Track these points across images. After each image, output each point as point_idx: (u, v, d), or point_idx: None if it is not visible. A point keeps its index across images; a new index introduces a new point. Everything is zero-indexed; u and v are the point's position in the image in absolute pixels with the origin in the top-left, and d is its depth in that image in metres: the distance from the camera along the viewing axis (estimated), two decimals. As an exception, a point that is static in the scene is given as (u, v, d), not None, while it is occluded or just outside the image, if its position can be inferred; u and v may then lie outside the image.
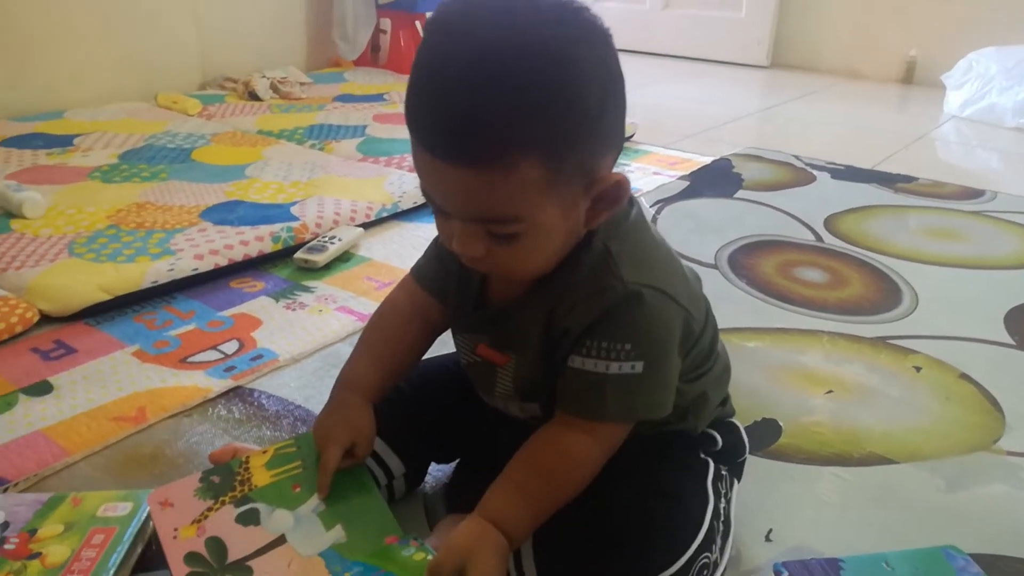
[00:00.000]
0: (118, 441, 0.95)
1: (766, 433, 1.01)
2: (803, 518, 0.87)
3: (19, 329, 1.15)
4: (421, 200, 1.68)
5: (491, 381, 0.75)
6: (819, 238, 1.67)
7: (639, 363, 0.66)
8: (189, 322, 1.22)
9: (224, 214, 1.53)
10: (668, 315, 0.68)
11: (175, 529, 0.70)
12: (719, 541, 0.74)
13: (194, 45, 2.62)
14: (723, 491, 0.77)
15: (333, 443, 0.74)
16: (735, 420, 0.84)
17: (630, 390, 0.67)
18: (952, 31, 3.25)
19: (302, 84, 2.66)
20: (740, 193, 1.94)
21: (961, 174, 2.23)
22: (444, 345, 0.83)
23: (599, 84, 0.60)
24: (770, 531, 0.84)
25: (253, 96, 2.50)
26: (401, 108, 0.63)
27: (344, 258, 1.47)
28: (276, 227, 1.47)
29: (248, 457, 0.77)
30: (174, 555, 0.68)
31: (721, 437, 0.79)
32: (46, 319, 1.20)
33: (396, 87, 2.71)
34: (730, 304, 1.36)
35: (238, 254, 1.38)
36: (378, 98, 2.57)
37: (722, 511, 0.75)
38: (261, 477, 0.75)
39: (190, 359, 1.12)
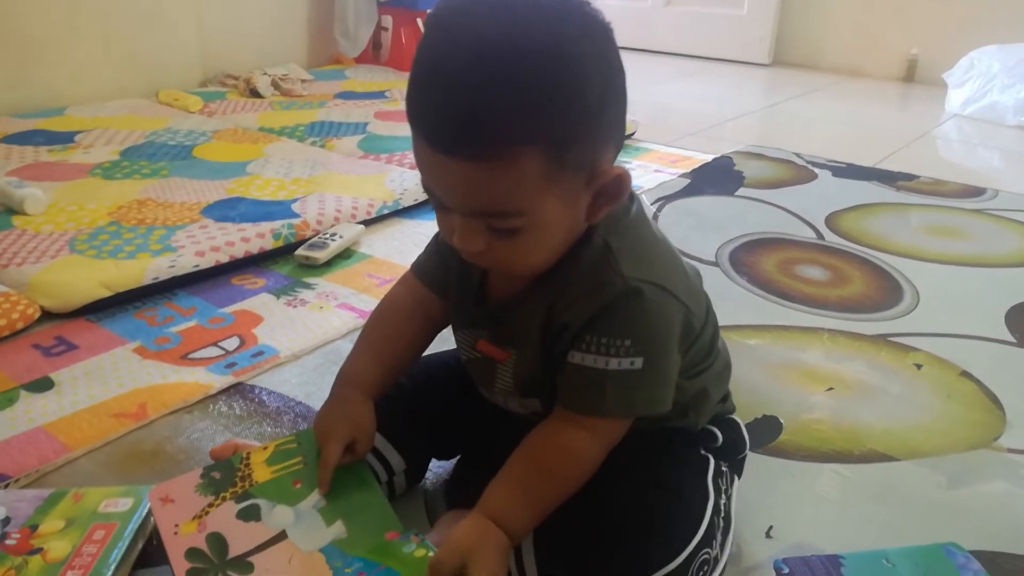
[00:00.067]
0: (119, 437, 0.95)
1: (767, 430, 1.01)
2: (804, 515, 0.87)
3: (20, 325, 1.16)
4: (422, 197, 1.68)
5: (491, 377, 0.75)
6: (820, 236, 1.67)
7: (639, 359, 0.66)
8: (190, 319, 1.22)
9: (225, 211, 1.53)
10: (668, 311, 0.68)
11: (176, 525, 0.70)
12: (720, 537, 0.74)
13: (195, 42, 2.62)
14: (723, 487, 0.77)
15: (334, 439, 0.74)
16: (735, 416, 0.84)
17: (630, 386, 0.67)
18: (954, 29, 3.25)
19: (303, 81, 2.66)
20: (741, 191, 1.94)
21: (962, 172, 2.23)
22: (445, 342, 0.83)
23: (600, 78, 0.60)
24: (771, 528, 0.84)
25: (254, 93, 2.50)
26: (402, 105, 0.63)
27: (345, 255, 1.47)
28: (277, 224, 1.47)
29: (249, 453, 0.77)
30: (175, 551, 0.68)
31: (721, 433, 0.79)
32: (47, 315, 1.20)
33: (397, 84, 2.71)
34: (731, 302, 1.36)
35: (239, 251, 1.39)
36: (379, 95, 2.57)
37: (722, 507, 0.75)
38: (262, 473, 0.75)
39: (191, 356, 1.12)
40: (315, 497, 0.73)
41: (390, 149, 2.00)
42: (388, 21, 3.04)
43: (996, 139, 2.63)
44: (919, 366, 1.18)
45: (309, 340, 1.17)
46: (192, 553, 0.68)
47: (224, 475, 0.75)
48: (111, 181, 1.68)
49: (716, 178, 2.03)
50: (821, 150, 2.31)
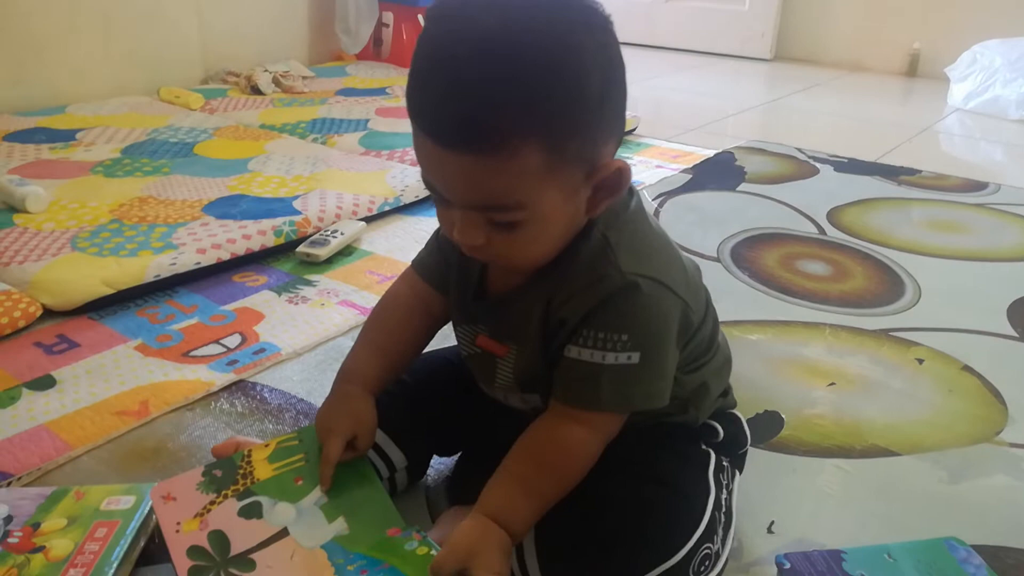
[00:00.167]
0: (121, 435, 0.95)
1: (768, 425, 1.01)
2: (805, 510, 0.87)
3: (22, 323, 1.16)
4: (423, 194, 1.68)
5: (491, 372, 0.75)
6: (822, 231, 1.67)
7: (635, 353, 0.66)
8: (191, 316, 1.22)
9: (226, 208, 1.53)
10: (665, 306, 0.68)
11: (178, 523, 0.70)
12: (721, 532, 0.74)
13: (196, 39, 2.61)
14: (724, 482, 0.77)
15: (335, 435, 0.74)
16: (736, 411, 0.84)
17: (626, 380, 0.67)
18: (956, 23, 3.24)
19: (304, 78, 2.66)
20: (743, 186, 1.94)
21: (964, 167, 2.23)
22: (446, 339, 0.83)
23: (600, 71, 0.60)
24: (772, 523, 0.84)
25: (255, 90, 2.50)
26: (403, 102, 0.63)
27: (346, 252, 1.47)
28: (278, 221, 1.47)
29: (250, 451, 0.78)
30: (177, 548, 0.68)
31: (722, 428, 0.79)
32: (49, 313, 1.20)
33: (398, 81, 2.71)
34: (732, 297, 1.36)
35: (240, 248, 1.39)
36: (380, 92, 2.57)
37: (723, 502, 0.75)
38: (263, 470, 0.75)
39: (192, 353, 1.12)
40: (317, 494, 0.73)
41: (391, 145, 2.00)
42: (389, 17, 3.04)
43: (998, 133, 2.62)
44: (921, 361, 1.18)
45: (310, 337, 1.17)
46: (194, 551, 0.68)
47: (226, 473, 0.75)
48: (112, 179, 1.68)
49: (717, 173, 2.02)
50: (823, 145, 2.30)
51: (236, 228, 1.43)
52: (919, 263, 1.52)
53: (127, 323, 1.20)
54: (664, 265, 0.69)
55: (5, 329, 1.14)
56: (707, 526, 0.71)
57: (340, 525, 0.71)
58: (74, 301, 1.21)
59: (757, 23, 3.63)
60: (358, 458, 0.76)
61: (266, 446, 0.78)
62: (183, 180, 1.69)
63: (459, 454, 0.90)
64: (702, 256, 1.51)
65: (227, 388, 1.05)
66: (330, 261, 1.43)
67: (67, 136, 1.96)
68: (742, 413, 0.85)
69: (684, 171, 2.03)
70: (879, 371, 1.15)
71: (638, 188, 0.71)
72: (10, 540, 0.72)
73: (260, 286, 1.33)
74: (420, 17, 2.97)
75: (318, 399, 1.00)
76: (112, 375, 1.06)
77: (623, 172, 0.64)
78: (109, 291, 1.23)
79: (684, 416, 0.77)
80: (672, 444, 0.75)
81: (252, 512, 0.72)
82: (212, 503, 0.72)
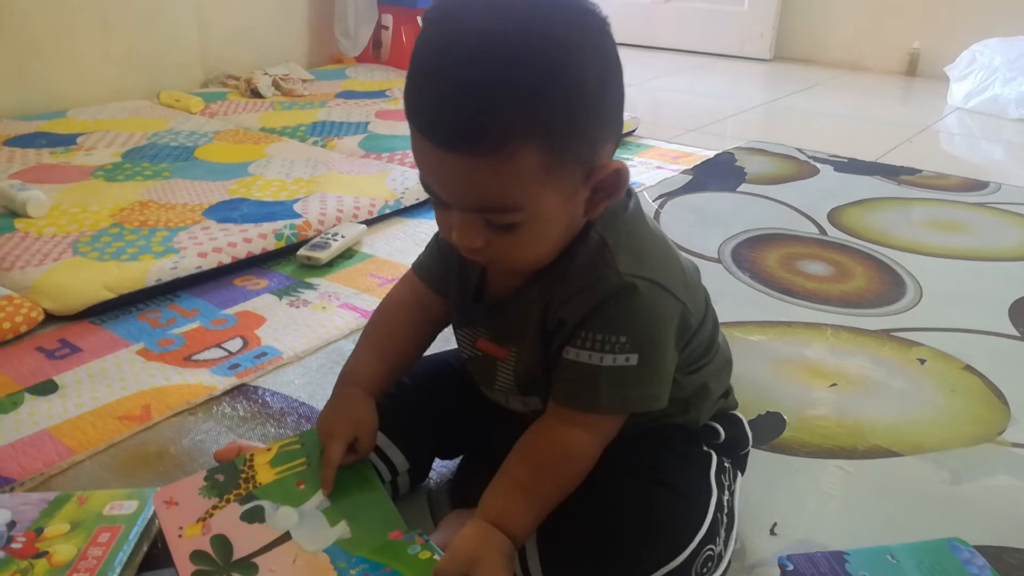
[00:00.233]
0: (123, 440, 0.95)
1: (770, 427, 1.01)
2: (808, 511, 0.87)
3: (24, 329, 1.16)
4: (424, 196, 1.68)
5: (492, 375, 0.75)
6: (822, 231, 1.67)
7: (633, 355, 0.66)
8: (193, 320, 1.22)
9: (227, 212, 1.53)
10: (663, 308, 0.68)
11: (180, 527, 0.71)
12: (723, 533, 0.74)
13: (196, 43, 2.62)
14: (726, 483, 0.77)
15: (336, 438, 0.74)
16: (738, 413, 0.84)
17: (624, 382, 0.67)
18: (955, 22, 3.24)
19: (304, 81, 2.66)
20: (743, 187, 1.94)
21: (965, 166, 2.23)
22: (447, 342, 0.83)
23: (597, 72, 0.60)
24: (775, 524, 0.84)
25: (255, 93, 2.50)
26: (402, 104, 0.63)
27: (347, 255, 1.47)
28: (279, 224, 1.47)
29: (252, 455, 0.78)
30: (180, 553, 0.68)
31: (724, 429, 0.79)
32: (51, 318, 1.20)
33: (398, 83, 2.71)
34: (733, 298, 1.36)
35: (241, 252, 1.39)
36: (380, 94, 2.57)
37: (726, 503, 0.75)
38: (265, 475, 0.75)
39: (194, 357, 1.12)
40: (319, 498, 0.73)
41: (391, 148, 2.00)
42: (388, 20, 3.05)
43: (998, 132, 2.62)
44: (922, 361, 1.18)
45: (312, 340, 1.17)
46: (197, 555, 0.68)
47: (228, 477, 0.75)
48: (113, 183, 1.68)
49: (718, 174, 2.02)
50: (823, 145, 2.30)
51: (237, 232, 1.43)
52: (920, 263, 1.52)
53: (129, 327, 1.20)
54: (662, 267, 0.69)
55: (7, 334, 1.14)
56: (709, 528, 0.71)
57: (342, 529, 0.71)
58: (76, 306, 1.21)
59: (756, 23, 3.64)
60: (360, 461, 0.76)
61: (268, 450, 0.78)
62: (184, 184, 1.69)
63: (461, 457, 0.89)
64: (703, 257, 1.51)
65: (229, 392, 1.05)
66: (331, 264, 1.43)
67: (68, 140, 1.96)
68: (744, 414, 0.85)
69: (684, 172, 2.03)
70: (881, 371, 1.15)
71: (636, 190, 0.71)
72: (13, 545, 0.72)
73: (261, 290, 1.33)
74: (419, 19, 2.96)
75: (320, 403, 1.00)
76: (114, 379, 1.06)
77: (621, 173, 0.64)
78: (110, 295, 1.23)
79: (685, 417, 0.77)
80: (673, 445, 0.75)
81: (254, 516, 0.72)
82: (214, 508, 0.72)
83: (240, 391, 1.05)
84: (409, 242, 1.54)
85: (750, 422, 0.85)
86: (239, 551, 0.69)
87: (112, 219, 1.48)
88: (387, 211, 1.65)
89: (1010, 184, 2.02)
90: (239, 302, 1.29)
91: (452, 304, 0.79)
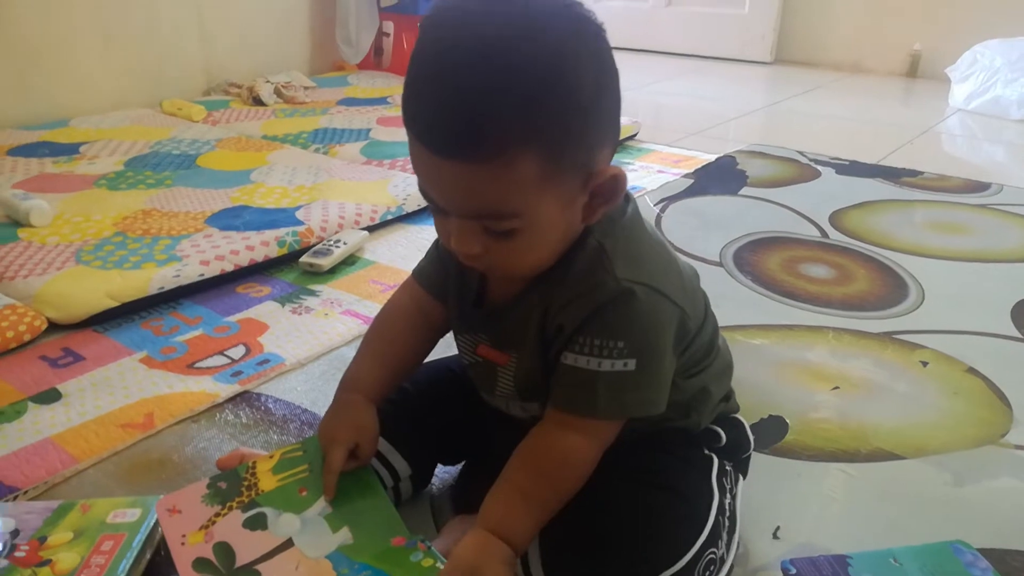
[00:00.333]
0: (126, 448, 0.95)
1: (773, 430, 1.01)
2: (810, 515, 0.87)
3: (27, 337, 1.16)
4: (425, 203, 1.68)
5: (492, 381, 0.76)
6: (824, 234, 1.67)
7: (631, 361, 0.66)
8: (196, 328, 1.23)
9: (230, 219, 1.54)
10: (662, 313, 0.68)
11: (183, 535, 0.71)
12: (725, 537, 0.74)
13: (198, 51, 2.63)
14: (728, 487, 0.77)
15: (337, 444, 0.74)
16: (739, 416, 0.84)
17: (622, 387, 0.67)
18: (956, 24, 3.24)
19: (306, 88, 2.67)
20: (744, 190, 1.94)
21: (966, 167, 2.23)
22: (448, 348, 0.83)
23: (593, 78, 0.60)
24: (777, 528, 0.84)
25: (257, 101, 2.51)
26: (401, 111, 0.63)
27: (349, 261, 1.47)
28: (281, 232, 1.47)
29: (255, 462, 0.78)
30: (183, 561, 0.68)
31: (725, 433, 0.79)
32: (54, 327, 1.21)
33: (399, 90, 2.63)
34: (735, 301, 1.36)
35: (244, 259, 1.39)
36: (381, 101, 2.58)
37: (727, 507, 0.75)
38: (268, 482, 0.75)
39: (197, 364, 1.12)
40: (321, 504, 0.73)
41: (393, 155, 2.00)
42: (389, 27, 3.05)
43: (1000, 133, 2.62)
44: (925, 363, 1.18)
45: (314, 347, 1.17)
46: (200, 563, 0.68)
47: (230, 485, 0.75)
48: (116, 192, 1.69)
49: (719, 177, 2.03)
50: (824, 148, 2.30)
51: (239, 239, 1.43)
52: (922, 265, 1.52)
53: (132, 336, 1.20)
54: (660, 272, 0.69)
55: (10, 343, 1.14)
56: (711, 531, 0.71)
57: (345, 535, 0.71)
58: (79, 314, 1.21)
59: (757, 26, 3.64)
60: (363, 468, 0.76)
61: (270, 457, 0.78)
62: (186, 192, 1.69)
63: (463, 463, 0.90)
64: (704, 261, 1.51)
65: (232, 399, 1.05)
66: (333, 271, 1.43)
67: (70, 150, 1.97)
68: (746, 418, 0.85)
69: (685, 176, 2.03)
70: (883, 374, 1.15)
71: (637, 194, 0.71)
72: (17, 554, 0.72)
73: (264, 297, 1.34)
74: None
75: (322, 409, 1.00)
76: (117, 388, 1.07)
77: (619, 179, 0.64)
78: (113, 304, 1.23)
79: (686, 421, 0.77)
80: (674, 449, 0.75)
81: (257, 523, 0.72)
82: (217, 515, 0.72)
83: (243, 398, 1.06)
84: (411, 248, 1.54)
85: (752, 426, 0.85)
86: (242, 558, 0.69)
87: (115, 228, 1.49)
88: (389, 217, 1.65)
89: (1012, 185, 2.02)
90: (242, 309, 1.29)
91: (452, 310, 0.79)
